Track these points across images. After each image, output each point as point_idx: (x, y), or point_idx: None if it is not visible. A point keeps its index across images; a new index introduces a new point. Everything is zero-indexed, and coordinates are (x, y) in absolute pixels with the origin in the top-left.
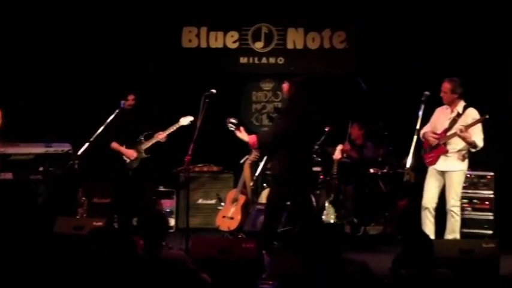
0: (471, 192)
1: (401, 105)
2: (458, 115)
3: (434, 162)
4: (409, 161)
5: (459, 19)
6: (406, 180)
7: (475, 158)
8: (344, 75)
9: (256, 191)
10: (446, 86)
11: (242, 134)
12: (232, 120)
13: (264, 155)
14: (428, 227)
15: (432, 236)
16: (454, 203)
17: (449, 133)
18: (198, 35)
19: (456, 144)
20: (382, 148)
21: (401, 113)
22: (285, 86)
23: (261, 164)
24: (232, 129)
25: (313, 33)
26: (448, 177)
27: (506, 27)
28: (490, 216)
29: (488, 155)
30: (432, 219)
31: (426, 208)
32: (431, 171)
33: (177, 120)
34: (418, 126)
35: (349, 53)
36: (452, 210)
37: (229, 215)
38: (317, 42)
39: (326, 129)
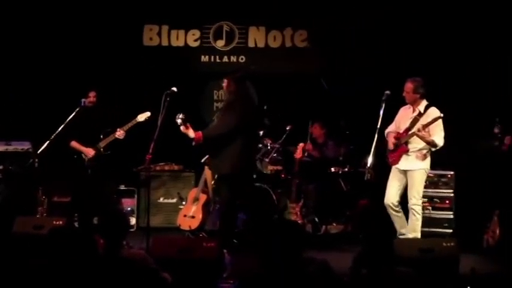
0: (431, 191)
1: (363, 105)
2: (420, 114)
3: (396, 161)
4: (370, 160)
5: (419, 18)
6: (367, 179)
7: (436, 158)
8: (306, 74)
9: (218, 190)
10: (408, 85)
11: (188, 130)
12: (181, 116)
13: (208, 152)
14: (398, 222)
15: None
16: (415, 201)
17: (409, 132)
18: (159, 33)
19: (417, 144)
20: (343, 147)
21: (363, 112)
22: (225, 82)
23: None
24: (179, 124)
25: (275, 31)
26: (409, 176)
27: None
28: (450, 215)
29: (449, 155)
30: (399, 214)
31: (388, 206)
32: (394, 170)
33: (135, 117)
34: (379, 126)
35: (311, 52)
36: (413, 209)
37: (190, 214)
38: (278, 40)
39: (287, 128)
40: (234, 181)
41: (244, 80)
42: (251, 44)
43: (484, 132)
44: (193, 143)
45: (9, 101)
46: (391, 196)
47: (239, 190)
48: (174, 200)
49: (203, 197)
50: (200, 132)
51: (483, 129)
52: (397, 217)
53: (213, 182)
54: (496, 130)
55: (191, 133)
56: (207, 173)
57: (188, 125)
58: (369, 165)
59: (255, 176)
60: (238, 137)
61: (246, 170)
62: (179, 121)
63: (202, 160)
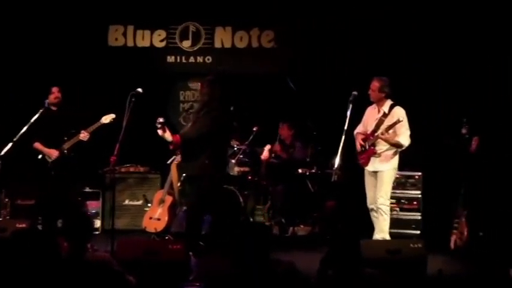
0: (399, 192)
1: (330, 105)
2: (385, 115)
3: (366, 163)
4: (337, 161)
5: (387, 18)
6: (334, 181)
7: (404, 158)
8: (273, 74)
9: (184, 192)
10: (374, 84)
11: (165, 133)
12: (160, 120)
13: (185, 155)
14: (378, 224)
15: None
16: (382, 201)
17: (375, 135)
18: (124, 34)
19: (383, 145)
20: (310, 148)
21: (330, 113)
22: (199, 85)
23: None
24: (158, 127)
25: (241, 32)
26: (378, 176)
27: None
28: (417, 216)
29: (416, 155)
30: (380, 216)
31: (371, 209)
32: (366, 173)
33: (99, 119)
34: (346, 127)
35: (278, 53)
36: (381, 209)
37: (156, 216)
38: (245, 41)
39: (254, 129)
40: (202, 183)
41: (217, 82)
42: (218, 45)
43: (452, 133)
44: (171, 147)
45: None
46: (372, 199)
47: (207, 192)
48: (140, 202)
49: (169, 199)
50: (178, 136)
51: (452, 130)
52: (376, 219)
53: (179, 184)
54: (464, 131)
55: (168, 136)
56: (173, 174)
57: (166, 127)
58: (336, 166)
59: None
60: (211, 139)
61: (216, 172)
62: (158, 125)
63: (168, 161)
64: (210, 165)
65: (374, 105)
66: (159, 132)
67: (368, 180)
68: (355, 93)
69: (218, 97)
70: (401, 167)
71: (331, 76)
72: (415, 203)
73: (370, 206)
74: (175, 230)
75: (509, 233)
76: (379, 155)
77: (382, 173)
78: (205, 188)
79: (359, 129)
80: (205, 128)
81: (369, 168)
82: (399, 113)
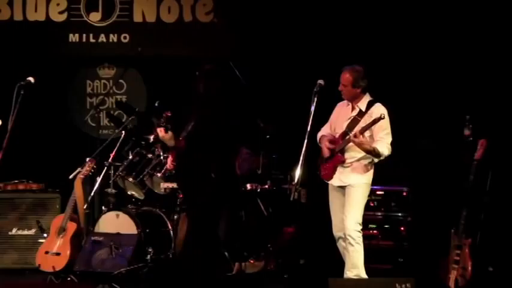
0: (380, 214)
1: (289, 100)
2: (360, 114)
3: (330, 175)
4: (297, 174)
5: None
6: (294, 199)
7: (385, 169)
8: (211, 58)
9: (92, 217)
10: (346, 77)
11: (168, 135)
12: (168, 114)
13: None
14: (349, 258)
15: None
16: (352, 226)
17: (345, 138)
18: (10, 4)
19: (355, 152)
20: (262, 157)
21: (288, 109)
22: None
23: (99, 179)
24: (160, 124)
25: (169, 1)
26: (346, 194)
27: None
28: (405, 245)
29: (402, 165)
30: (350, 246)
31: (339, 238)
32: (331, 189)
33: None
34: (309, 127)
35: (219, 29)
36: (350, 237)
37: (54, 250)
38: (174, 13)
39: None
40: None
41: (217, 75)
42: (137, 19)
43: (452, 134)
44: (169, 158)
45: None
46: (340, 226)
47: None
48: (32, 232)
49: (72, 227)
50: (183, 140)
51: (451, 131)
52: (346, 252)
53: (85, 206)
54: (467, 132)
55: (171, 139)
56: (78, 193)
57: (170, 126)
58: (296, 180)
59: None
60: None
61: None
62: (162, 121)
63: (71, 176)
64: (216, 181)
65: (346, 101)
66: (160, 132)
67: (333, 199)
68: (320, 82)
69: (215, 95)
70: (384, 180)
71: (289, 60)
72: (401, 228)
73: (336, 233)
74: (81, 269)
75: None
76: (349, 164)
77: (353, 189)
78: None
79: (324, 131)
80: (215, 130)
81: (334, 182)
82: (380, 111)
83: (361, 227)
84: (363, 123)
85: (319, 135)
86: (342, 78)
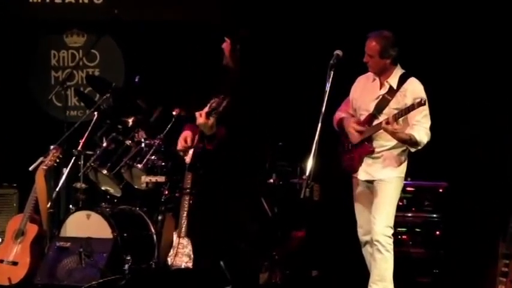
0: (411, 215)
1: (297, 74)
2: (391, 92)
3: (355, 167)
4: (309, 166)
5: None
6: (305, 197)
7: (417, 162)
8: (203, 24)
9: (57, 218)
10: (372, 45)
11: (203, 119)
12: (217, 101)
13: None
14: (375, 267)
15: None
16: (381, 230)
17: (374, 123)
18: None
19: (386, 140)
20: (265, 144)
21: (297, 86)
22: (225, 45)
23: (65, 172)
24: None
25: None
26: (376, 190)
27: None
28: (439, 252)
29: (438, 157)
30: (378, 254)
31: (366, 242)
32: (357, 183)
33: None
34: (323, 109)
35: None
36: (379, 242)
37: (10, 259)
38: None
39: (174, 113)
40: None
41: (254, 43)
42: None
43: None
44: (209, 146)
45: None
46: (367, 227)
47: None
48: None
49: (32, 230)
50: (223, 128)
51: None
52: (373, 259)
53: (48, 205)
54: None
55: (207, 123)
56: (40, 188)
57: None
58: (307, 173)
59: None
60: (257, 131)
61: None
62: (206, 109)
63: (32, 167)
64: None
65: (371, 75)
66: (200, 118)
67: (359, 196)
68: (338, 52)
69: (253, 67)
70: (413, 174)
71: (297, 24)
72: (437, 232)
73: (363, 237)
74: (44, 281)
75: None
76: (380, 155)
77: (383, 185)
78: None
79: (343, 110)
80: (255, 113)
81: (361, 176)
82: (417, 89)
83: (392, 231)
84: (394, 103)
85: (336, 116)
86: (368, 47)
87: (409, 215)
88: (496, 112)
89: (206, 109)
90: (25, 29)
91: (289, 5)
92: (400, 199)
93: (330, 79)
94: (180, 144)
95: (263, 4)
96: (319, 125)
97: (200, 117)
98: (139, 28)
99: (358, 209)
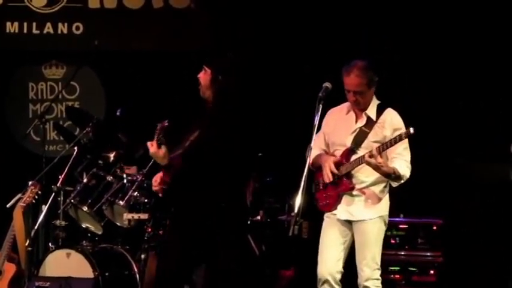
0: (404, 253)
1: (286, 106)
2: (369, 123)
3: (333, 206)
4: (298, 202)
5: None
6: (294, 235)
7: (409, 197)
8: (186, 53)
9: (36, 256)
10: (357, 82)
11: (162, 150)
12: (165, 123)
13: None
14: None
15: None
16: (370, 273)
17: (353, 157)
18: None
19: (365, 176)
20: (252, 180)
21: (286, 119)
22: (202, 75)
23: (44, 209)
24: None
25: None
26: (358, 230)
27: None
28: None
29: (432, 190)
30: None
31: (325, 281)
32: (330, 219)
33: None
34: (312, 142)
35: (197, 17)
36: (367, 287)
37: None
38: None
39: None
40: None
41: (233, 70)
42: (93, 4)
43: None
44: (165, 177)
45: None
46: (331, 264)
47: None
48: None
49: (10, 269)
50: (177, 155)
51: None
52: None
53: (27, 243)
54: None
55: (160, 154)
56: (18, 226)
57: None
58: (296, 210)
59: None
60: (230, 161)
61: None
62: (158, 133)
63: (9, 204)
64: (229, 211)
65: (344, 107)
66: (151, 148)
67: (332, 233)
68: (327, 85)
69: (231, 93)
70: (409, 210)
71: (287, 57)
72: (431, 271)
73: (323, 275)
74: None
75: None
76: (360, 193)
77: (367, 226)
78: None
79: (318, 147)
80: (219, 144)
81: (340, 215)
82: (396, 120)
83: (380, 272)
84: (373, 136)
85: (312, 154)
86: (352, 85)
87: (402, 253)
88: (488, 142)
89: (155, 138)
90: (2, 60)
91: (280, 34)
92: (393, 237)
93: (319, 112)
94: (153, 186)
95: (255, 31)
96: (308, 159)
97: (151, 147)
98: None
99: (327, 244)
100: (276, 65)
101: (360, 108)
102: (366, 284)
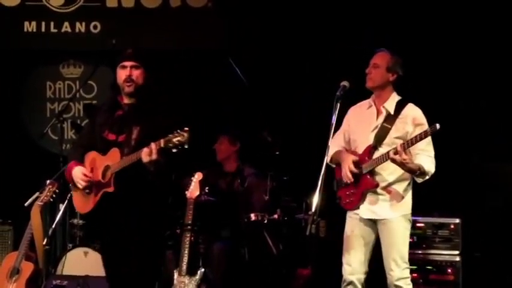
0: (421, 252)
1: (303, 105)
2: (389, 118)
3: (356, 204)
4: (315, 201)
5: None
6: (312, 234)
7: (427, 195)
8: (205, 51)
9: (54, 255)
10: (382, 54)
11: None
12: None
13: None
14: None
15: None
16: (400, 273)
17: (376, 155)
18: None
19: (388, 173)
20: (269, 179)
21: (303, 119)
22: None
23: (62, 207)
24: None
25: None
26: (383, 230)
27: None
28: None
29: (451, 189)
30: None
31: (350, 283)
32: (353, 220)
33: None
34: (330, 141)
35: (214, 17)
36: (398, 287)
37: None
38: None
39: None
40: None
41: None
42: (111, 3)
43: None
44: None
45: None
46: (356, 265)
47: None
48: None
49: (28, 268)
50: None
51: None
52: None
53: (45, 242)
54: None
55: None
56: (35, 225)
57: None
58: (313, 209)
59: None
60: None
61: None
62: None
63: (27, 203)
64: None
65: (366, 103)
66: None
67: (356, 233)
68: (345, 83)
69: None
70: (427, 208)
71: (304, 57)
72: (449, 270)
73: (348, 276)
74: None
75: None
76: (384, 192)
77: (392, 225)
78: None
79: (337, 144)
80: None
81: (364, 213)
82: (418, 115)
83: (409, 270)
84: (395, 132)
85: (331, 150)
86: (376, 57)
87: (419, 252)
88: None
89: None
90: (20, 60)
91: (298, 34)
92: (411, 236)
93: (337, 111)
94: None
95: (272, 32)
96: (325, 158)
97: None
98: None
99: (351, 245)
100: (287, 63)
101: (372, 86)
102: (398, 283)
